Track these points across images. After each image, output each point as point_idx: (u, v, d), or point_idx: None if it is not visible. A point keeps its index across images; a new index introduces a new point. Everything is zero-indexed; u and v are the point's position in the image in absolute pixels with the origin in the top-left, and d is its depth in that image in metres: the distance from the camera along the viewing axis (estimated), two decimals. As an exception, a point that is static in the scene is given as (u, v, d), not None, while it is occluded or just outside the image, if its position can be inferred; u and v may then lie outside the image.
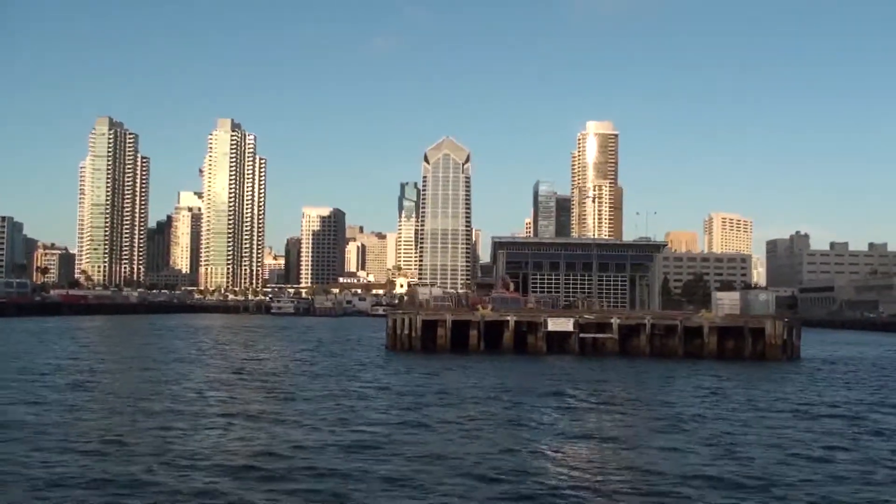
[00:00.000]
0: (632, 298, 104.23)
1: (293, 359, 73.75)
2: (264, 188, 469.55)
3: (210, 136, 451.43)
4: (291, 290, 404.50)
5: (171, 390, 46.26)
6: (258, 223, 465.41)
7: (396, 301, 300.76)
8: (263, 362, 69.27)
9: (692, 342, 77.24)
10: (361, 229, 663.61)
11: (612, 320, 77.65)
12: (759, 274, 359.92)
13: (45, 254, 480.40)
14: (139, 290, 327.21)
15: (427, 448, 29.43)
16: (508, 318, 78.35)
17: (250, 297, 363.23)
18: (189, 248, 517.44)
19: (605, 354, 75.84)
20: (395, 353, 76.96)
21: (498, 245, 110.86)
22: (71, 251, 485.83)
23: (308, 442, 30.15)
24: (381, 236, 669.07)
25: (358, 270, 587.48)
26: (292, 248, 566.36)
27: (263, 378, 54.90)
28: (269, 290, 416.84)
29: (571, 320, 77.40)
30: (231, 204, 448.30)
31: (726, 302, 79.32)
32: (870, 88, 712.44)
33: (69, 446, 28.62)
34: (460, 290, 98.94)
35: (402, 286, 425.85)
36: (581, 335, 76.87)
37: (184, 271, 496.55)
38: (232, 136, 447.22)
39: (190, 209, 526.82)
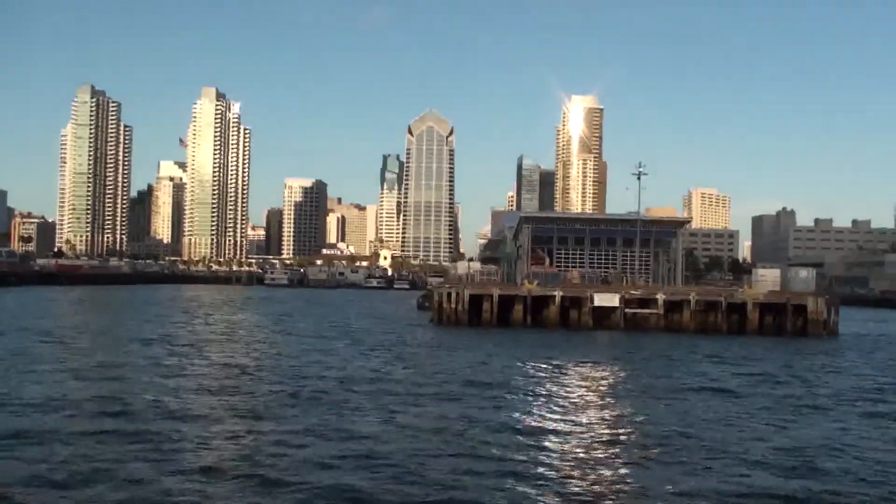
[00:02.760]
0: (655, 273, 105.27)
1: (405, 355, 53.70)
2: (248, 159, 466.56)
3: (194, 106, 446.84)
4: (276, 262, 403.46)
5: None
6: (242, 194, 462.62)
7: (406, 275, 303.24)
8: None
9: (731, 317, 78.72)
10: (339, 201, 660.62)
11: (658, 296, 78.70)
12: (746, 248, 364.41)
13: (24, 223, 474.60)
14: (124, 259, 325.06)
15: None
16: (555, 293, 79.14)
17: (235, 267, 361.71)
18: (170, 219, 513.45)
19: (649, 329, 77.02)
20: (443, 327, 77.42)
21: (524, 220, 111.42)
22: (49, 220, 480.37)
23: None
24: (361, 208, 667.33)
25: (338, 242, 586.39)
26: (273, 220, 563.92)
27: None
28: (253, 260, 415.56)
29: (617, 296, 78.42)
30: (216, 174, 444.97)
31: (769, 278, 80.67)
32: (849, 69, 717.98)
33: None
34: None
35: (385, 258, 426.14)
36: (626, 310, 77.96)
37: (165, 241, 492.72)
38: (217, 105, 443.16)
39: (171, 179, 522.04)
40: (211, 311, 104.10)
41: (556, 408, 33.19)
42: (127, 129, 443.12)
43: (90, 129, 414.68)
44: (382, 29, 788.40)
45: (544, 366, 47.20)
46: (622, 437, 27.73)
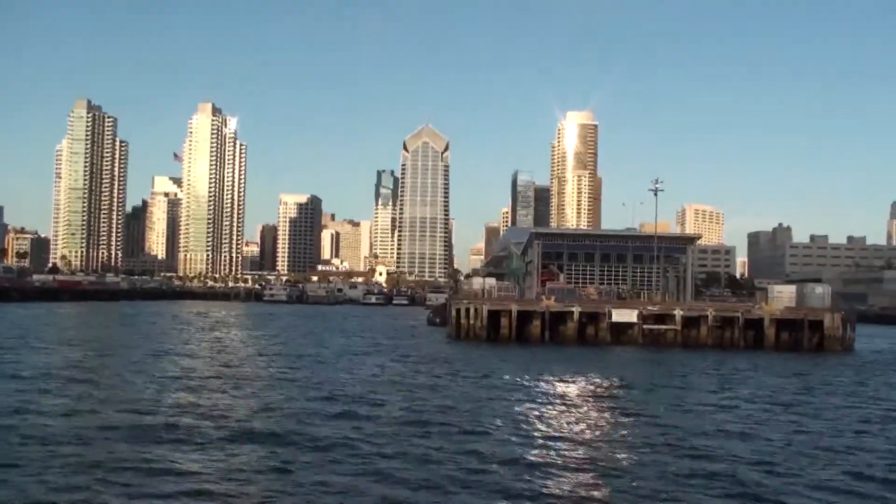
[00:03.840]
0: (665, 289, 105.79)
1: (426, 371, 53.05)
2: (244, 174, 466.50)
3: (190, 121, 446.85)
4: (272, 278, 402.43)
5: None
6: (238, 209, 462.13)
7: (404, 291, 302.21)
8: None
9: (747, 333, 79.26)
10: (333, 217, 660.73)
11: (676, 311, 79.20)
12: (742, 265, 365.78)
13: (17, 238, 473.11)
14: (120, 275, 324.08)
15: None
16: (573, 308, 79.49)
17: (231, 283, 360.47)
18: (165, 234, 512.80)
19: (667, 345, 77.42)
20: (460, 343, 77.47)
21: (534, 235, 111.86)
22: (42, 235, 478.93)
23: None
24: (355, 224, 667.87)
25: (332, 258, 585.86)
26: (267, 235, 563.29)
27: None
28: (249, 276, 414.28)
29: (635, 311, 78.86)
30: (212, 189, 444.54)
31: (785, 295, 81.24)
32: (841, 88, 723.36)
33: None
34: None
35: (381, 274, 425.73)
36: (644, 326, 78.39)
37: (159, 257, 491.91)
38: (213, 120, 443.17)
39: (166, 194, 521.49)
40: (233, 329, 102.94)
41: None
42: (122, 144, 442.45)
43: (86, 144, 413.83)
44: (378, 45, 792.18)
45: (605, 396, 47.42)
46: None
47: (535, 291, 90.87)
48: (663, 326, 79.08)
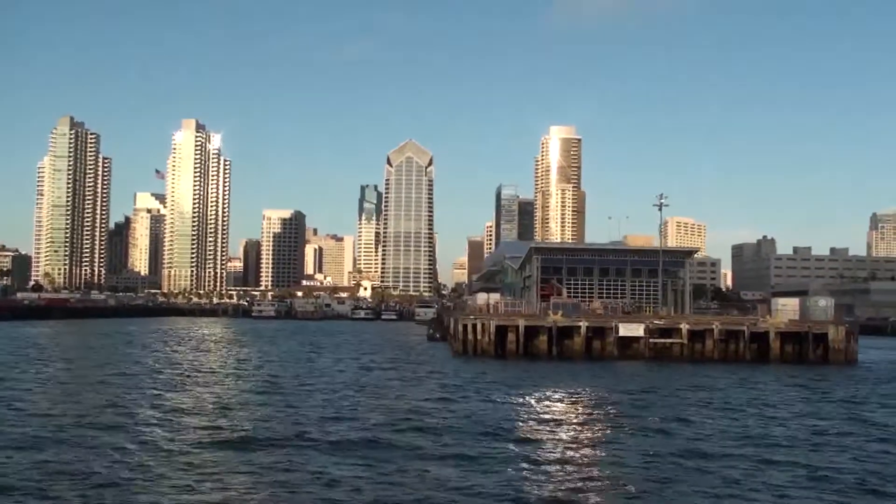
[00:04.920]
0: (664, 302, 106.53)
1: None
2: (229, 190, 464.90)
3: (174, 137, 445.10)
4: (257, 293, 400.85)
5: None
6: (222, 225, 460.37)
7: (380, 304, 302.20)
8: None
9: (752, 346, 79.92)
10: (315, 231, 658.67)
11: (682, 325, 79.75)
12: (726, 277, 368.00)
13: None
14: (104, 292, 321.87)
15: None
16: (580, 323, 79.89)
17: (216, 300, 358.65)
18: (148, 251, 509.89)
19: (673, 359, 77.90)
20: (467, 359, 77.52)
21: (534, 250, 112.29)
22: (23, 253, 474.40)
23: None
24: (338, 239, 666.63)
25: (315, 273, 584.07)
26: (250, 251, 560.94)
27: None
28: (234, 292, 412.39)
29: (642, 325, 79.34)
30: (196, 206, 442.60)
31: (789, 308, 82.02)
32: (822, 100, 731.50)
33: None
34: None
35: (365, 289, 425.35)
36: (651, 340, 78.87)
37: (142, 273, 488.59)
38: (196, 136, 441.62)
39: (148, 210, 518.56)
40: (243, 347, 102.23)
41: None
42: (106, 160, 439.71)
43: (69, 161, 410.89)
44: (361, 60, 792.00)
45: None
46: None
47: (540, 306, 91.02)
48: (669, 340, 79.62)
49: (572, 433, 35.48)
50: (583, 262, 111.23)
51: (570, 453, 30.63)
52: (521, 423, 38.03)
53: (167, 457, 28.25)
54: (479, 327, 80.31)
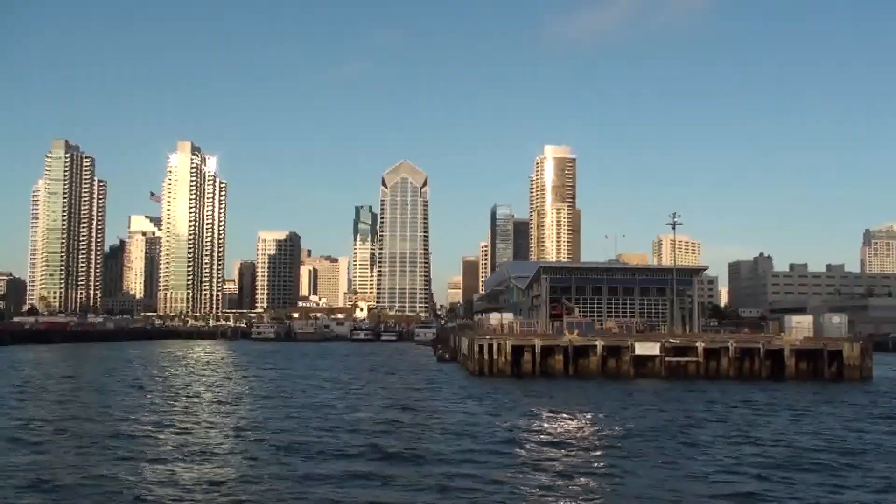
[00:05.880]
0: (672, 320, 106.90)
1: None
2: (224, 212, 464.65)
3: (169, 159, 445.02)
4: (254, 315, 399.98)
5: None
6: (218, 247, 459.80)
7: (371, 324, 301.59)
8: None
9: (767, 364, 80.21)
10: (309, 253, 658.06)
11: (697, 344, 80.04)
12: (723, 294, 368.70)
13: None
14: (101, 315, 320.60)
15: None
16: (596, 342, 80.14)
17: (212, 322, 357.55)
18: (143, 273, 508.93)
19: (689, 377, 78.08)
20: (484, 379, 77.51)
21: (543, 270, 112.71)
22: (17, 277, 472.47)
23: None
24: (333, 260, 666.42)
25: (310, 294, 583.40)
26: (246, 273, 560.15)
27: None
28: (231, 314, 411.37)
29: (658, 344, 79.59)
30: (192, 228, 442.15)
31: (804, 325, 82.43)
32: (813, 116, 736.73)
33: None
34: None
35: (362, 310, 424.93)
36: (667, 358, 79.08)
37: (138, 296, 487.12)
38: (192, 159, 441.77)
39: (144, 233, 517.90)
40: (258, 370, 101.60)
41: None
42: (101, 183, 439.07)
43: (64, 184, 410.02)
44: (355, 81, 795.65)
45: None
46: None
47: (554, 325, 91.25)
48: (685, 359, 79.85)
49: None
50: (591, 282, 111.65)
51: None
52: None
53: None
54: (495, 347, 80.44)
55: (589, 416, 49.04)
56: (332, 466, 31.85)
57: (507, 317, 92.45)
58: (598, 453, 35.70)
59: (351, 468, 31.50)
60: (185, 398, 60.20)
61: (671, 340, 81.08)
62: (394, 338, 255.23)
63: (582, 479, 29.94)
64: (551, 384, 71.09)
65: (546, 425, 45.01)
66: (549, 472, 30.95)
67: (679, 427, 44.36)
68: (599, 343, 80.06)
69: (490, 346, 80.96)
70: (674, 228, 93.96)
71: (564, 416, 48.92)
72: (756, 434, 42.20)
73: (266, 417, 48.32)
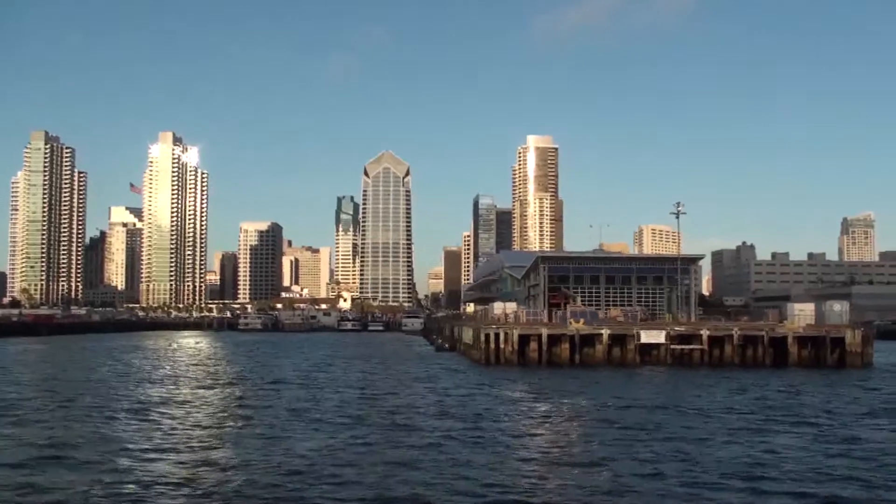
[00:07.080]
0: (670, 309, 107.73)
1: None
2: (206, 203, 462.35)
3: (150, 150, 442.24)
4: (237, 306, 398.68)
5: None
6: (201, 238, 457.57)
7: (365, 315, 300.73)
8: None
9: (770, 351, 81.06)
10: (290, 243, 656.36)
11: (702, 331, 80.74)
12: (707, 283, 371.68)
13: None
14: (84, 307, 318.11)
15: None
16: (602, 331, 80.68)
17: (195, 313, 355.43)
18: (124, 265, 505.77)
19: (693, 365, 78.78)
20: (492, 367, 77.73)
21: (541, 259, 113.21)
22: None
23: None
24: (314, 250, 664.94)
25: (292, 285, 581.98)
26: (227, 263, 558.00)
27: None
28: (214, 305, 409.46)
29: (663, 332, 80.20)
30: (174, 219, 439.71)
31: (807, 312, 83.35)
32: (791, 107, 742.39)
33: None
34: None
35: (345, 300, 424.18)
36: (672, 346, 79.73)
37: (119, 288, 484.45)
38: (174, 149, 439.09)
39: (124, 225, 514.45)
40: (261, 358, 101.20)
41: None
42: (81, 174, 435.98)
43: (44, 176, 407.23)
44: (337, 73, 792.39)
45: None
46: None
47: (556, 314, 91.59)
48: (689, 346, 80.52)
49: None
50: (590, 271, 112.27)
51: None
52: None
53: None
54: (501, 336, 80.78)
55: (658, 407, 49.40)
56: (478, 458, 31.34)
57: (511, 306, 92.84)
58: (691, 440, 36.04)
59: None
60: (263, 390, 58.84)
61: (676, 328, 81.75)
62: (381, 328, 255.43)
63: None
64: (561, 371, 71.60)
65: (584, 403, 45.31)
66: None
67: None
68: (606, 332, 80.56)
69: (497, 336, 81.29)
70: (677, 217, 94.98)
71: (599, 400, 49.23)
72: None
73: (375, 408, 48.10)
